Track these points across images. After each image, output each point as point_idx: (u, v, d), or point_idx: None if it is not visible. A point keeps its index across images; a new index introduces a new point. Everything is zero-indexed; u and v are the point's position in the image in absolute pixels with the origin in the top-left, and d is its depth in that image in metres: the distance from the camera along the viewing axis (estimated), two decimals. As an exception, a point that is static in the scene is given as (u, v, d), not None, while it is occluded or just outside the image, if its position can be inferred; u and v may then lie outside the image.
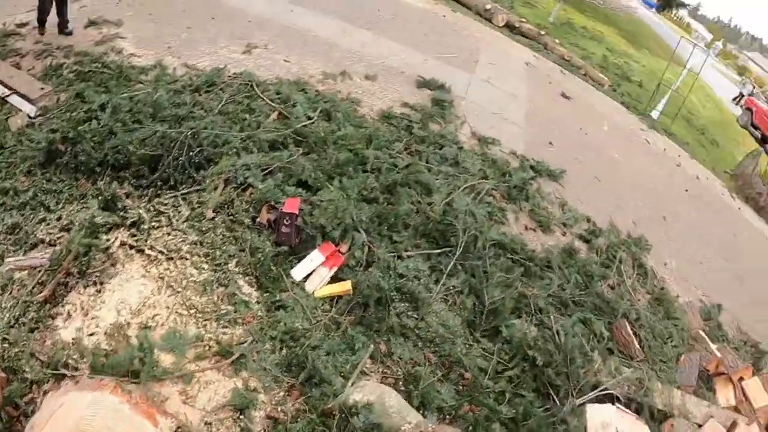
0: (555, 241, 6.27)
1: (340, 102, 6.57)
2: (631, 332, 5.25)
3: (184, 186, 4.32)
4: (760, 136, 22.73)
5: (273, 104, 5.91)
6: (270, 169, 4.63)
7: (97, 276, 3.64)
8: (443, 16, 11.87)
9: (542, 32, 13.71)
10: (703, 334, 6.10)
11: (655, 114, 13.47)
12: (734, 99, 30.15)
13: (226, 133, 4.81)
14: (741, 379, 5.73)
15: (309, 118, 5.84)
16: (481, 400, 3.95)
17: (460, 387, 4.04)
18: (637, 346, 5.21)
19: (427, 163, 6.00)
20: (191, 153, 4.39)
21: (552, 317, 4.88)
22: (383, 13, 10.45)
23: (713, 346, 5.93)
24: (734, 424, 5.11)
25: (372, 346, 3.86)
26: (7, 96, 5.36)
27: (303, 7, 9.18)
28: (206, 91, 5.78)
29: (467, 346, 4.31)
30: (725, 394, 5.59)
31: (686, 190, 10.49)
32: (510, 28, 13.29)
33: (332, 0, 10.02)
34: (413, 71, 8.44)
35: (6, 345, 3.14)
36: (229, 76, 6.29)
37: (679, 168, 11.46)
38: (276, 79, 6.65)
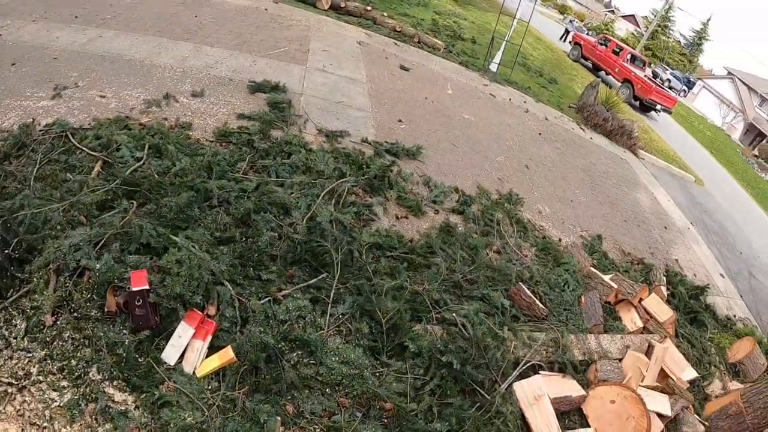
0: (430, 223, 6.02)
1: (168, 132, 5.64)
2: (529, 293, 5.14)
3: (10, 291, 3.36)
4: (592, 66, 25.00)
5: (94, 153, 4.89)
6: (103, 240, 3.72)
7: None
8: (265, 9, 11.01)
9: (368, 8, 13.40)
10: (594, 270, 6.20)
11: (493, 67, 13.88)
12: (561, 37, 32.81)
13: (42, 208, 3.79)
14: (640, 300, 5.91)
15: (138, 160, 4.91)
16: (411, 426, 3.60)
17: (386, 420, 3.66)
18: (540, 304, 5.14)
19: (277, 177, 5.32)
20: (6, 249, 3.42)
21: (451, 309, 4.56)
22: (200, 19, 9.34)
23: (606, 278, 6.06)
24: (650, 347, 5.23)
25: (278, 413, 3.34)
26: None
27: (112, 30, 7.87)
28: (17, 156, 4.62)
29: (377, 375, 3.84)
30: (631, 319, 5.76)
31: (539, 134, 10.88)
32: (335, 9, 12.80)
33: (144, 16, 8.73)
34: (243, 76, 7.61)
35: None
36: (41, 131, 5.11)
37: (527, 114, 11.89)
38: (93, 122, 5.57)
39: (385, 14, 13.85)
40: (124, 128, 5.53)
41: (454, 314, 4.52)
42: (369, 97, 8.49)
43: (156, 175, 4.75)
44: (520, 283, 5.24)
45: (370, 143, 6.93)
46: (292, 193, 5.10)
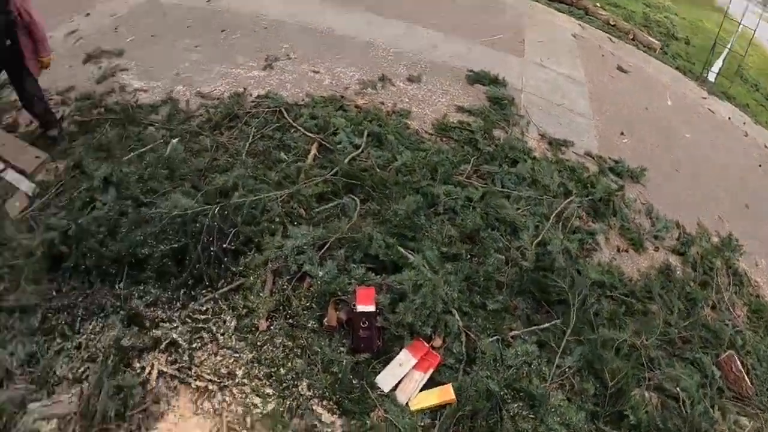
0: (648, 261, 5.26)
1: (386, 118, 5.51)
2: (741, 367, 4.30)
3: (222, 283, 3.35)
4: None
5: (310, 134, 4.89)
6: (327, 243, 3.62)
7: (140, 419, 2.79)
8: (474, -10, 10.54)
9: (578, -6, 12.25)
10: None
11: (711, 77, 12.02)
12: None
13: (259, 196, 3.79)
14: None
15: (356, 147, 4.81)
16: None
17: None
18: (748, 382, 4.30)
19: (503, 187, 4.94)
20: (223, 239, 3.40)
21: (666, 374, 3.93)
22: (409, -4, 9.14)
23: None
24: None
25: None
26: (1, 172, 4.47)
27: (321, 4, 8.02)
28: (228, 127, 4.79)
29: (594, 444, 3.38)
30: None
31: (759, 166, 9.17)
32: (545, -6, 11.87)
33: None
34: (460, 64, 7.25)
35: None
36: (252, 102, 5.27)
37: (747, 138, 10.09)
38: (307, 98, 5.60)
39: (598, 4, 12.57)
40: (338, 109, 5.46)
41: (676, 387, 3.87)
42: (590, 100, 7.69)
43: (377, 169, 4.60)
44: (732, 352, 4.39)
45: (593, 157, 6.24)
46: (518, 209, 4.70)
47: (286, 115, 5.07)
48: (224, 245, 3.35)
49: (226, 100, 5.09)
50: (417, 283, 3.42)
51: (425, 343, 3.32)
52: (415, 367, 3.22)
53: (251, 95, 5.33)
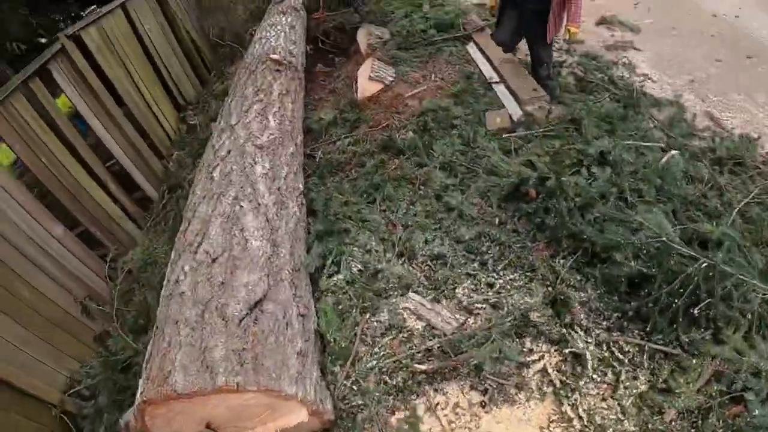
0: None
1: None
2: None
3: (659, 338, 2.74)
4: None
5: None
6: None
7: (493, 389, 2.59)
8: None
9: None
10: None
11: None
12: None
13: (747, 278, 2.93)
14: None
15: None
16: None
17: None
18: None
19: None
20: (684, 296, 2.71)
21: None
22: None
23: None
24: None
25: None
26: (495, 83, 4.64)
27: None
28: (731, 171, 3.95)
29: None
30: None
31: None
32: None
33: None
34: None
35: None
36: (763, 156, 4.27)
37: None
38: None
39: None
40: None
41: None
42: None
43: None
44: None
45: None
46: None
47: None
48: (686, 301, 2.70)
49: (735, 139, 4.20)
50: None
51: None
52: None
53: (763, 148, 4.31)
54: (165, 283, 2.69)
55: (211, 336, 2.18)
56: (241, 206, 2.90)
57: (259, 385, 2.06)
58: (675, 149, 3.69)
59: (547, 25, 4.03)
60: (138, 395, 2.20)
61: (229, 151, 3.42)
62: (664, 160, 3.50)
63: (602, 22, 5.94)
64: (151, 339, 2.48)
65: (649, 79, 4.80)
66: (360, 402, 2.56)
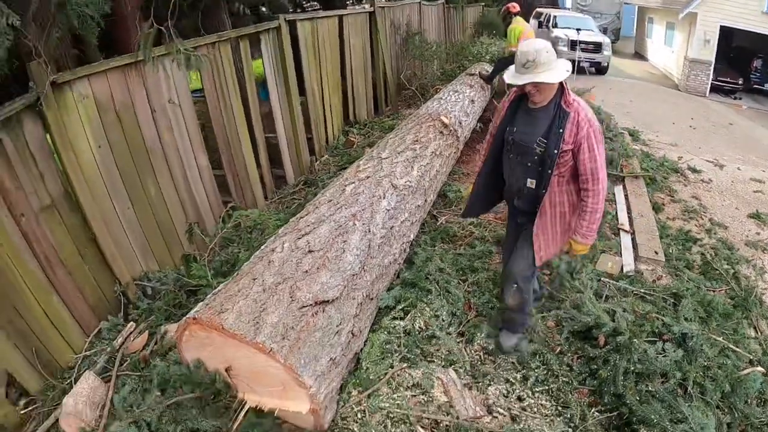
0: None
1: None
2: None
3: None
4: None
5: None
6: None
7: None
8: None
9: None
10: None
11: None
12: None
13: None
14: None
15: None
16: None
17: None
18: None
19: None
20: None
21: None
22: None
23: None
24: None
25: None
26: (623, 231, 4.66)
27: None
28: None
29: None
30: None
31: None
32: None
33: None
34: None
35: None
36: None
37: None
38: None
39: None
40: None
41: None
42: None
43: None
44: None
45: None
46: None
47: None
48: None
49: None
50: None
51: None
52: None
53: None
54: (263, 247, 3.09)
55: (274, 304, 2.49)
56: (355, 224, 3.23)
57: (286, 360, 2.32)
58: (764, 369, 3.47)
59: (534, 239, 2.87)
60: (191, 313, 2.56)
61: (368, 176, 3.81)
62: (744, 372, 3.31)
63: (755, 216, 5.68)
64: (226, 281, 2.86)
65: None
66: (355, 430, 2.72)
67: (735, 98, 15.31)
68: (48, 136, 3.29)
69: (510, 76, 2.64)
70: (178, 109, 4.20)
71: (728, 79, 15.59)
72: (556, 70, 2.53)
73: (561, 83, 2.63)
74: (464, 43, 12.33)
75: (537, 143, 2.67)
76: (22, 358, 3.24)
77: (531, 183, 2.80)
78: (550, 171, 2.66)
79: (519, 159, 2.81)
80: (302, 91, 5.97)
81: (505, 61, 7.40)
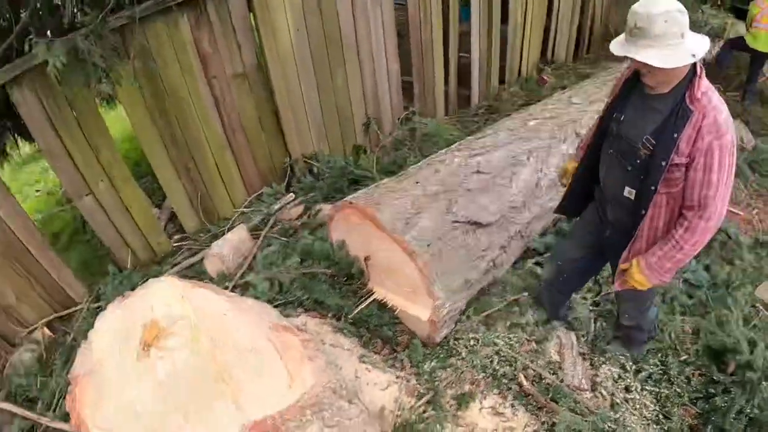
0: None
1: None
2: None
3: None
4: None
5: None
6: None
7: None
8: None
9: None
10: None
11: None
12: None
13: None
14: None
15: None
16: None
17: None
18: None
19: None
20: None
21: None
22: None
23: None
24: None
25: None
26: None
27: None
28: None
29: None
30: None
31: None
32: None
33: None
34: None
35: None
36: None
37: None
38: None
39: None
40: None
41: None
42: None
43: None
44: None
45: None
46: None
47: None
48: None
49: None
50: None
51: None
52: None
53: None
54: (433, 156, 3.12)
55: (429, 211, 2.54)
56: (529, 159, 3.14)
57: (424, 267, 2.37)
58: None
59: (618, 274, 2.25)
60: (349, 197, 2.69)
61: (553, 117, 3.63)
62: None
63: None
64: (390, 178, 2.95)
65: None
66: (463, 355, 2.74)
67: None
68: (251, 15, 3.56)
69: (615, 42, 1.89)
70: (379, 9, 4.25)
71: None
72: (673, 49, 1.74)
73: (694, 68, 1.83)
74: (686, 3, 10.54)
75: (644, 143, 1.93)
76: (188, 200, 3.75)
77: (629, 193, 2.07)
78: (653, 187, 1.92)
79: (619, 158, 2.07)
80: (504, 19, 5.68)
81: (743, 44, 6.24)
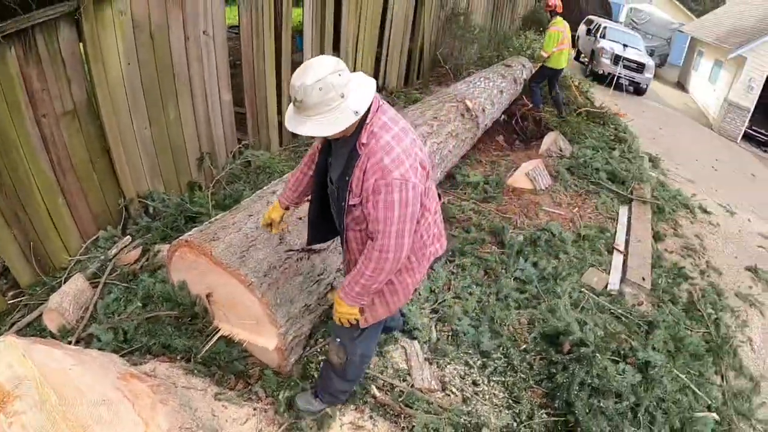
0: None
1: None
2: None
3: None
4: None
5: None
6: None
7: None
8: None
9: None
10: None
11: None
12: None
13: None
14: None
15: None
16: None
17: None
18: None
19: None
20: None
21: None
22: None
23: None
24: None
25: None
26: (617, 250, 4.72)
27: None
28: None
29: None
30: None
31: None
32: None
33: None
34: None
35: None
36: None
37: None
38: None
39: None
40: None
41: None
42: None
43: None
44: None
45: None
46: None
47: None
48: None
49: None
50: None
51: None
52: None
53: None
54: (265, 188, 3.19)
55: (264, 242, 2.60)
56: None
57: (264, 296, 2.43)
58: (718, 417, 3.56)
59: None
60: (184, 236, 2.67)
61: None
62: (700, 414, 3.40)
63: (752, 270, 5.69)
64: (224, 213, 2.97)
65: (750, 346, 4.56)
66: (315, 370, 2.86)
67: (765, 151, 15.09)
68: (81, 46, 3.36)
69: (287, 115, 1.94)
70: (211, 42, 4.24)
71: (763, 131, 15.33)
72: (335, 113, 1.80)
73: (366, 112, 1.88)
74: (509, 33, 12.17)
75: (337, 185, 2.06)
76: (19, 251, 3.38)
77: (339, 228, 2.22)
78: (342, 226, 2.12)
79: (332, 198, 2.19)
80: (336, 47, 5.98)
81: (543, 70, 7.28)
